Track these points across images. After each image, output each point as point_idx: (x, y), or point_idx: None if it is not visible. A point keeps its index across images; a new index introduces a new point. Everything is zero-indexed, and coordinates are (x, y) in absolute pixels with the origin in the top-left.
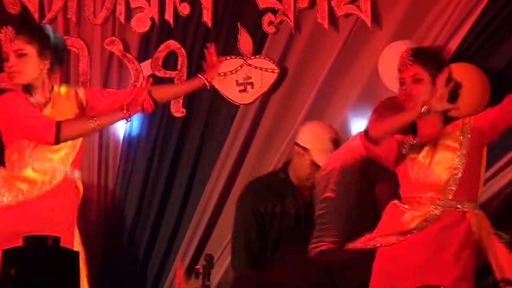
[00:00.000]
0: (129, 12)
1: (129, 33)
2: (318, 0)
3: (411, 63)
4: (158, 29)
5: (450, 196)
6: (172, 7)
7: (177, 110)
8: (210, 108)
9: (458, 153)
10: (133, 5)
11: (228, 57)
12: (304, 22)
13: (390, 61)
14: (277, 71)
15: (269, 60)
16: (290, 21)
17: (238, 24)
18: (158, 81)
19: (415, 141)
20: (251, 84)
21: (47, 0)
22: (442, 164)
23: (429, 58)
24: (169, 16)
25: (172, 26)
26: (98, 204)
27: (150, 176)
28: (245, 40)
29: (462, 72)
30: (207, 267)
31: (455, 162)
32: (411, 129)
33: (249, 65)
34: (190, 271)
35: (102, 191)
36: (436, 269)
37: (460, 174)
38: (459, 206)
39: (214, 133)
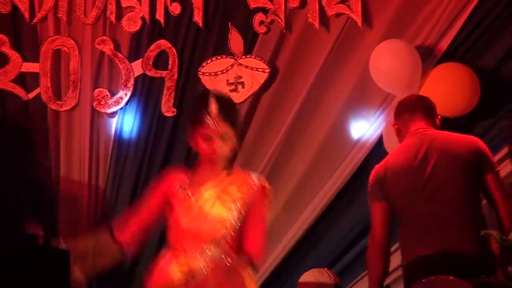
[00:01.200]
0: (120, 12)
1: (120, 32)
2: (309, 0)
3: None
4: (149, 28)
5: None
6: (163, 6)
7: (168, 110)
8: None
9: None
10: (124, 4)
11: (219, 57)
12: (295, 21)
13: (381, 60)
14: (268, 70)
15: (260, 60)
16: (281, 20)
17: (229, 23)
18: (149, 80)
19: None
20: (242, 83)
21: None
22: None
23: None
24: (160, 16)
25: (163, 25)
26: (88, 203)
27: (141, 175)
28: (236, 40)
29: (452, 71)
30: None
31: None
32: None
33: (240, 64)
34: None
35: (93, 191)
36: None
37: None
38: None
39: None
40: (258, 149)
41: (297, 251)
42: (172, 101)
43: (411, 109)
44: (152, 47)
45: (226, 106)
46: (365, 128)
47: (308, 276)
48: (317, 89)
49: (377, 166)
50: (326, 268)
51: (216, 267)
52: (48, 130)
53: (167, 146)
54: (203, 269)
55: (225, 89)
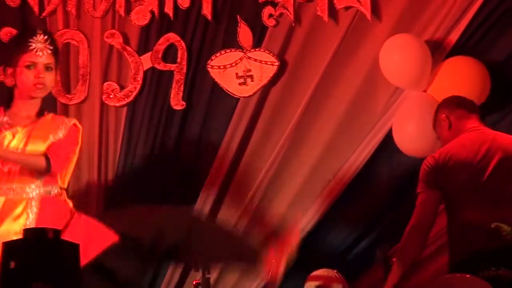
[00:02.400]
0: (129, 5)
1: (129, 26)
2: None
3: None
4: (158, 22)
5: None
6: (172, 0)
7: (177, 103)
8: (210, 101)
9: None
10: None
11: (228, 50)
12: (304, 15)
13: (390, 54)
14: (276, 64)
15: (269, 53)
16: (290, 14)
17: (238, 17)
18: (158, 73)
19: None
20: (251, 77)
21: None
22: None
23: None
24: (168, 9)
25: (172, 19)
26: (97, 198)
27: (150, 169)
28: (244, 33)
29: (462, 65)
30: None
31: None
32: None
33: (249, 58)
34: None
35: (102, 185)
36: None
37: None
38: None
39: (214, 126)
40: (267, 142)
41: (304, 248)
42: (181, 94)
43: (469, 108)
44: (161, 40)
45: (52, 38)
46: (374, 122)
47: (318, 272)
48: (326, 82)
49: (436, 154)
50: (335, 270)
51: (46, 201)
52: None
53: (176, 139)
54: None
55: (234, 82)
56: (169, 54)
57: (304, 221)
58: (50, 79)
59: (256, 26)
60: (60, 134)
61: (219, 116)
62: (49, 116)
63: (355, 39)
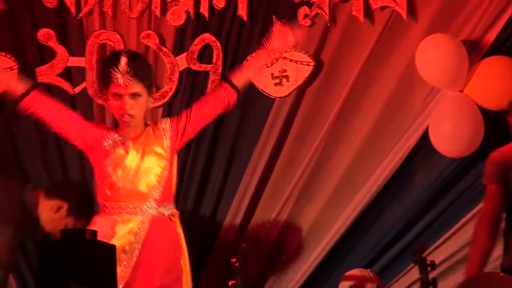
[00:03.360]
0: (165, 5)
1: (165, 26)
2: None
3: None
4: (193, 22)
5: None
6: (207, 0)
7: None
8: (245, 101)
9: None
10: None
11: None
12: (339, 15)
13: (427, 53)
14: (312, 64)
15: (305, 53)
16: (325, 14)
17: (273, 17)
18: (194, 74)
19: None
20: (287, 77)
21: None
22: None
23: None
24: (204, 9)
25: (207, 19)
26: None
27: (185, 173)
28: (280, 33)
29: (499, 65)
30: (243, 263)
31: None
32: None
33: (285, 58)
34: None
35: None
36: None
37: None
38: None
39: (250, 127)
40: (302, 143)
41: (341, 247)
42: None
43: None
44: (196, 41)
45: (137, 63)
46: (410, 122)
47: (352, 272)
48: (361, 82)
49: (505, 148)
50: (369, 269)
51: (156, 223)
52: None
53: (212, 140)
54: (144, 227)
55: (270, 83)
56: (205, 54)
57: (339, 223)
58: (139, 106)
59: (291, 26)
60: (167, 142)
61: (254, 116)
62: (150, 125)
63: (390, 39)
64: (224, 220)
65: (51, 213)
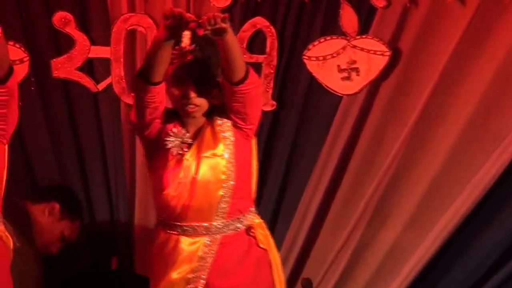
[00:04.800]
0: None
1: (207, 8)
2: None
3: None
4: (242, 3)
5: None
6: None
7: (266, 103)
8: (306, 100)
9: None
10: None
11: (328, 37)
12: None
13: None
14: (388, 53)
15: (379, 41)
16: None
17: None
18: None
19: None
20: (356, 70)
21: None
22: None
23: None
24: None
25: None
26: None
27: None
28: (349, 16)
29: None
30: None
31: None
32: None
33: (354, 46)
34: None
35: None
36: None
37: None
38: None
39: (312, 130)
40: (377, 149)
41: (425, 277)
42: (270, 91)
43: None
44: (245, 26)
45: (205, 39)
46: (510, 126)
47: None
48: (449, 76)
49: None
50: None
51: (227, 243)
52: (122, 129)
53: (266, 145)
54: (211, 250)
55: (336, 77)
56: (256, 43)
57: (423, 248)
58: (203, 99)
59: (362, 7)
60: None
61: (317, 118)
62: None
63: (485, 24)
64: (281, 247)
65: (45, 217)
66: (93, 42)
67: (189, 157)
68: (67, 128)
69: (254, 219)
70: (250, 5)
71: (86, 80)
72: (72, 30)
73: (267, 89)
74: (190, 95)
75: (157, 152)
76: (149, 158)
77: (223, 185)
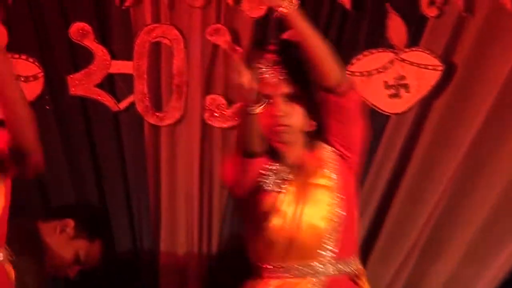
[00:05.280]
0: None
1: (240, 18)
2: None
3: None
4: (277, 13)
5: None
6: None
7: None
8: None
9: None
10: None
11: (374, 50)
12: (479, 1)
13: None
14: (441, 68)
15: (430, 54)
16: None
17: (387, 5)
18: None
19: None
20: (406, 86)
21: None
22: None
23: None
24: None
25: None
26: (200, 246)
27: None
28: (396, 27)
29: None
30: None
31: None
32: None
33: (402, 60)
34: None
35: (205, 233)
36: None
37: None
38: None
39: None
40: (430, 173)
41: None
42: None
43: None
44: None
45: (291, 51)
46: None
47: None
48: (510, 92)
49: None
50: None
51: (334, 286)
52: (145, 151)
53: None
54: None
55: (382, 93)
56: None
57: (482, 284)
58: (296, 113)
59: (412, 17)
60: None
61: None
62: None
63: None
64: None
65: (55, 236)
66: (114, 56)
67: (290, 189)
68: (86, 151)
69: (359, 265)
70: None
71: (106, 98)
72: (90, 42)
73: None
74: (279, 107)
75: (253, 196)
76: (246, 204)
77: (331, 216)
